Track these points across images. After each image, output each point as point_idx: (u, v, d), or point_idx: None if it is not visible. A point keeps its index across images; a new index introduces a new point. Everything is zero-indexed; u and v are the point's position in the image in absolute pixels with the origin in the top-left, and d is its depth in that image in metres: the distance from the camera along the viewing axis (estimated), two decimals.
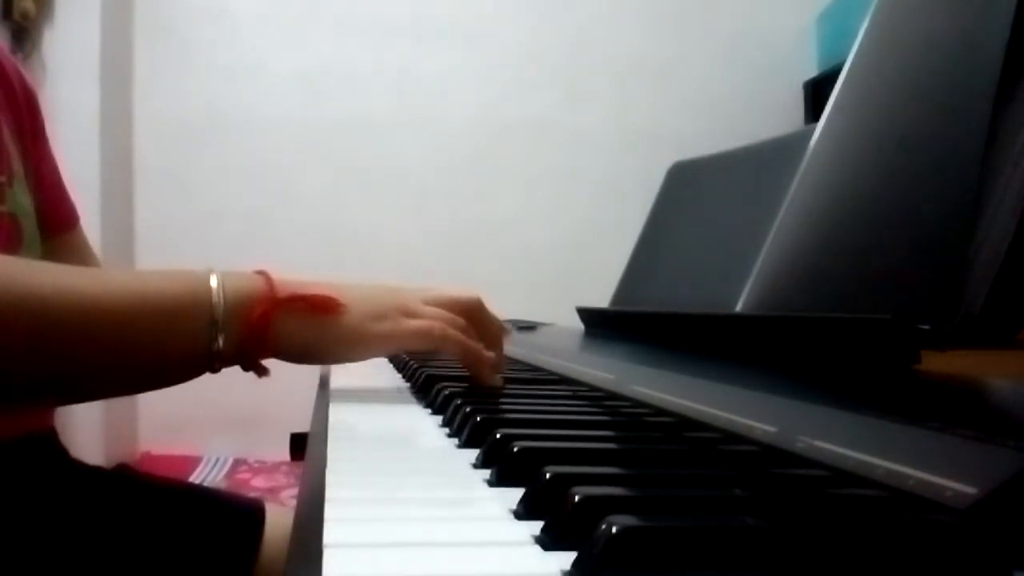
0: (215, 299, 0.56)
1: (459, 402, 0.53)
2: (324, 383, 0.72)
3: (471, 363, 0.63)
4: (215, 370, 0.58)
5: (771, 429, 0.39)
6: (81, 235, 0.86)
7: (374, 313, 0.61)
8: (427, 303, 0.64)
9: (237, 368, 0.60)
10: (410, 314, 0.62)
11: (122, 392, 0.66)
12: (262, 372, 0.61)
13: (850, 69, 0.61)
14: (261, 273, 0.60)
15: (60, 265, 0.57)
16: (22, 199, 0.70)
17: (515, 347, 0.99)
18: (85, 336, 0.53)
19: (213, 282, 0.57)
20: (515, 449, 0.38)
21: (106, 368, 0.56)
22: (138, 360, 0.57)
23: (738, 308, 0.65)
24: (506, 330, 0.72)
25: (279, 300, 0.58)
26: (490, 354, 0.64)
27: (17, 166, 0.71)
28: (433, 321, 0.62)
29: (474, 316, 0.66)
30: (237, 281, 0.58)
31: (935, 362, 0.42)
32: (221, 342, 0.56)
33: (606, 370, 0.66)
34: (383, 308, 0.62)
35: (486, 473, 0.39)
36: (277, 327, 0.58)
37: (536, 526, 0.30)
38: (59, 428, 0.80)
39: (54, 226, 0.79)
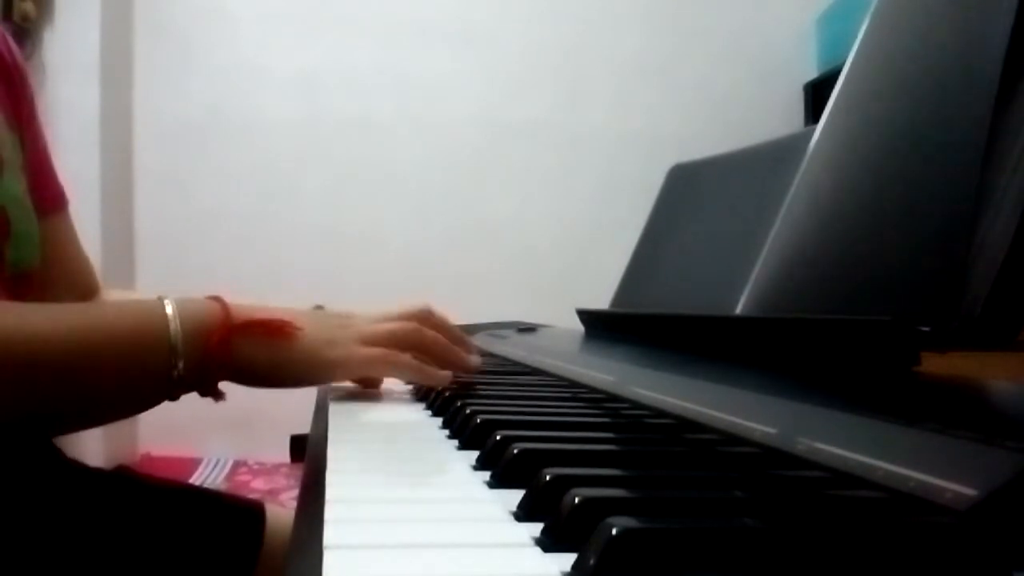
0: (172, 327, 0.57)
1: (459, 404, 0.53)
2: (324, 385, 0.72)
3: (426, 382, 0.66)
4: (174, 398, 0.59)
5: (771, 431, 0.39)
6: (68, 220, 0.84)
7: (329, 339, 0.63)
8: (378, 322, 0.66)
9: None
10: (364, 341, 0.64)
11: (85, 426, 0.65)
12: (219, 397, 0.61)
13: (850, 70, 0.61)
14: (215, 299, 0.61)
15: (14, 303, 0.57)
16: (13, 188, 0.68)
17: (515, 349, 0.99)
18: (43, 374, 0.53)
19: (168, 310, 0.57)
20: (515, 451, 0.38)
21: (67, 404, 0.56)
22: (98, 394, 0.57)
23: (738, 310, 0.65)
24: (468, 333, 0.75)
25: (236, 325, 0.59)
26: (445, 373, 0.66)
27: (9, 153, 0.69)
28: (387, 350, 0.64)
29: (425, 322, 0.68)
30: (192, 307, 0.59)
31: (935, 364, 0.42)
32: (181, 369, 0.57)
33: (606, 372, 0.66)
34: (337, 336, 0.63)
35: (486, 475, 0.39)
36: (235, 352, 0.58)
37: (536, 528, 0.30)
38: None
39: (42, 207, 0.77)
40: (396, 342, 0.65)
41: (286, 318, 0.61)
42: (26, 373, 0.52)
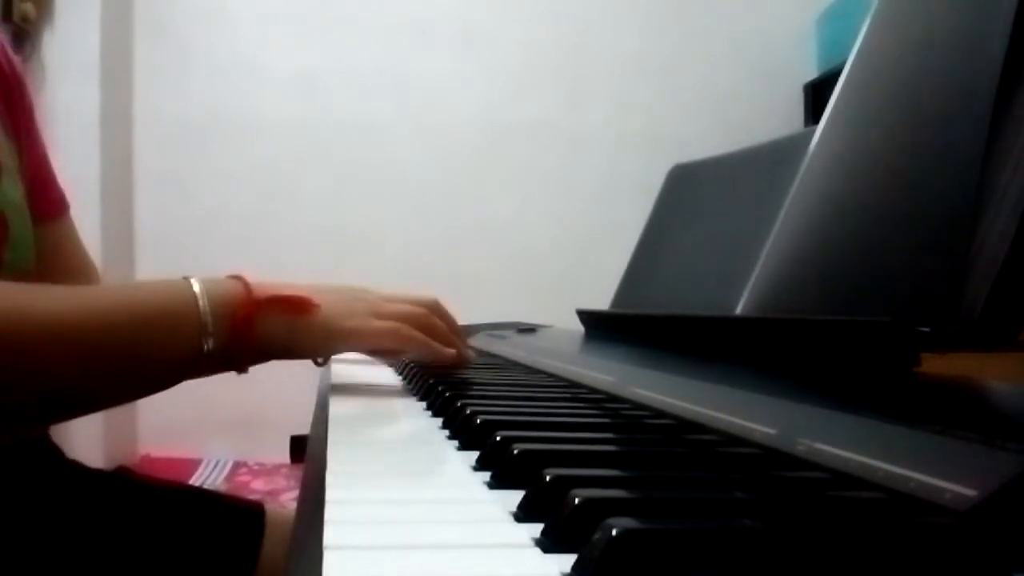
0: (201, 305, 0.60)
1: (459, 404, 0.53)
2: (324, 385, 0.72)
3: (433, 358, 0.70)
4: (203, 373, 0.62)
5: (771, 431, 0.39)
6: (70, 224, 0.85)
7: (345, 312, 0.67)
8: (391, 301, 0.70)
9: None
10: (378, 315, 0.68)
11: (121, 401, 0.69)
12: (242, 370, 0.64)
13: (850, 71, 0.61)
14: (237, 277, 0.64)
15: (53, 287, 0.60)
16: (11, 193, 0.69)
17: (515, 349, 0.99)
18: (83, 353, 0.56)
19: (196, 288, 0.61)
20: (515, 451, 0.38)
21: (104, 382, 0.60)
22: (133, 370, 0.60)
23: (738, 310, 0.65)
24: (469, 333, 0.81)
25: (259, 301, 0.62)
26: (450, 350, 0.71)
27: (7, 159, 0.70)
28: (399, 324, 0.68)
29: (435, 312, 0.73)
30: (218, 286, 0.62)
31: (935, 365, 0.42)
32: (211, 344, 0.60)
33: (606, 372, 0.66)
34: (353, 308, 0.67)
35: (486, 475, 0.39)
36: (259, 326, 0.62)
37: (536, 528, 0.30)
38: (56, 430, 0.80)
39: (43, 212, 0.78)
40: (407, 321, 0.69)
41: (305, 294, 0.65)
42: (65, 350, 0.55)
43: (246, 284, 0.63)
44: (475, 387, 0.68)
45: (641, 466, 0.40)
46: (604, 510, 0.27)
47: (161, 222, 2.67)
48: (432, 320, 0.71)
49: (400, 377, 0.81)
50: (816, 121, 0.64)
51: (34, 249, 0.72)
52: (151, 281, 0.64)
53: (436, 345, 0.69)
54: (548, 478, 0.32)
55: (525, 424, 0.48)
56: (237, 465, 2.57)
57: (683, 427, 0.47)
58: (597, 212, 2.75)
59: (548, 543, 0.28)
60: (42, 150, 0.81)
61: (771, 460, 0.37)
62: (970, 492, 0.27)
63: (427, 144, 2.75)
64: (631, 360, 0.75)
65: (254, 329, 0.61)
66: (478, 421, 0.47)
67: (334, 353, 0.69)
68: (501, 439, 0.41)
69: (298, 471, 0.66)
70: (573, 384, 0.69)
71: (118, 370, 0.59)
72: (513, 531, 0.30)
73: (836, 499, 0.32)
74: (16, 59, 0.77)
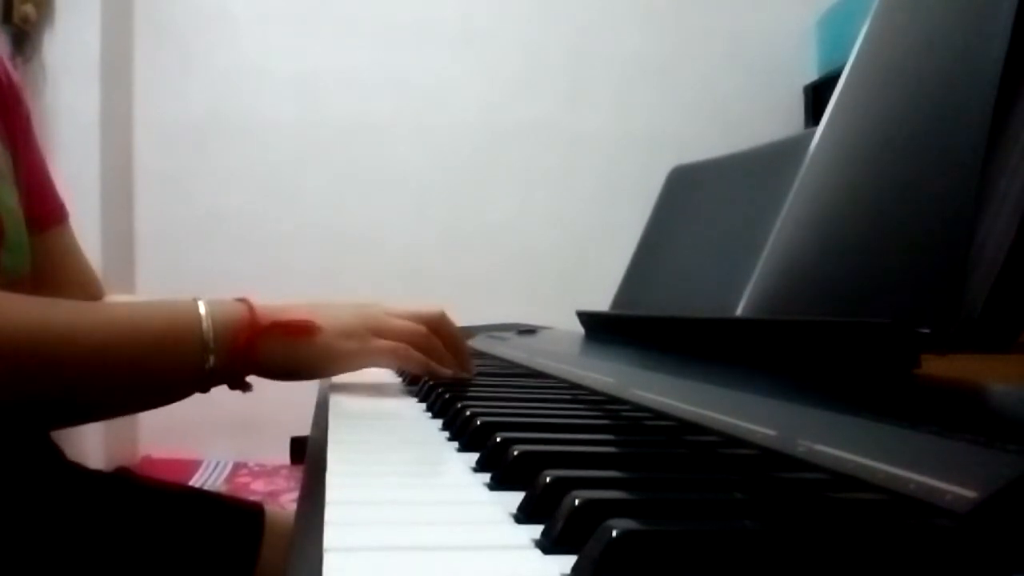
0: (205, 327, 0.62)
1: (459, 406, 0.53)
2: (324, 387, 0.72)
3: (431, 377, 0.70)
4: (205, 389, 0.64)
5: (771, 433, 0.39)
6: (70, 232, 0.86)
7: (345, 332, 0.67)
8: (394, 316, 0.71)
9: None
10: (379, 333, 0.68)
11: (124, 413, 0.74)
12: (246, 388, 0.66)
13: (850, 72, 0.61)
14: (242, 300, 0.65)
15: (67, 301, 0.63)
16: (7, 197, 0.70)
17: (515, 351, 0.99)
18: (93, 367, 0.59)
19: (202, 310, 0.62)
20: (515, 453, 0.38)
21: (110, 395, 0.63)
22: (138, 385, 0.63)
23: (738, 312, 0.65)
24: (468, 336, 0.80)
25: (261, 327, 0.64)
26: (447, 371, 0.71)
27: (3, 164, 0.71)
28: (398, 343, 0.68)
29: (437, 328, 0.72)
30: (223, 309, 0.64)
31: (935, 366, 0.42)
32: (212, 363, 0.62)
33: (606, 374, 0.66)
34: (353, 327, 0.68)
35: (486, 477, 0.39)
36: (260, 350, 0.63)
37: (536, 530, 0.30)
38: (57, 431, 0.80)
39: (41, 221, 0.79)
40: (406, 340, 0.69)
41: (307, 316, 0.66)
42: (81, 365, 0.58)
43: (251, 307, 0.64)
44: (475, 389, 0.68)
45: (641, 467, 0.40)
46: (604, 511, 0.27)
47: (161, 222, 2.67)
48: (431, 342, 0.71)
49: (400, 378, 0.81)
50: (816, 123, 0.64)
51: (29, 255, 0.72)
52: (162, 301, 0.66)
53: (434, 366, 0.70)
54: (548, 480, 0.32)
55: (525, 426, 0.48)
56: (237, 466, 2.57)
57: (683, 428, 0.47)
58: (597, 213, 2.75)
59: (548, 544, 0.28)
60: (39, 158, 0.81)
61: (771, 461, 0.37)
62: (970, 494, 0.27)
63: (427, 145, 2.75)
64: (631, 362, 0.75)
65: (255, 352, 0.63)
66: (478, 423, 0.47)
67: (334, 374, 0.70)
68: (501, 440, 0.41)
69: (298, 472, 0.67)
70: (573, 386, 0.69)
71: (122, 384, 0.61)
72: (513, 532, 0.30)
73: (836, 500, 0.32)
74: (12, 68, 0.78)
